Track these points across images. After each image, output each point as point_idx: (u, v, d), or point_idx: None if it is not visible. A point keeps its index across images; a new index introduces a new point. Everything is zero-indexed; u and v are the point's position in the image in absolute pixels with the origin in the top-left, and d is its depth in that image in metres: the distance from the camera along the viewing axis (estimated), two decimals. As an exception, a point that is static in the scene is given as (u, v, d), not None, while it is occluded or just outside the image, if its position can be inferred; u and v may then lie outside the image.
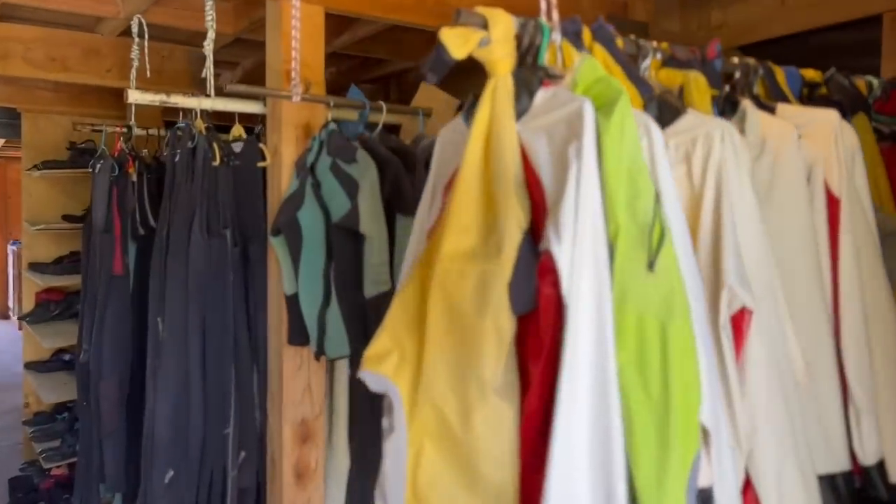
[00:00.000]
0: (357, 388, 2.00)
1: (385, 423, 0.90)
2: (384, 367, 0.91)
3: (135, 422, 2.55)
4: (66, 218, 3.78)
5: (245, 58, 4.09)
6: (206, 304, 1.87)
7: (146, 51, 2.65)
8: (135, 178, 2.53)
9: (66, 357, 3.75)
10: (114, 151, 2.60)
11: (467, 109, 1.07)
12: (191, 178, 1.89)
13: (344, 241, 1.59)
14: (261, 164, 1.94)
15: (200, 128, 1.93)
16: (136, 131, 2.65)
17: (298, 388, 1.90)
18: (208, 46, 1.99)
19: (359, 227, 1.51)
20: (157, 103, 1.91)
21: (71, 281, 3.59)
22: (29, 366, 3.78)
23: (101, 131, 2.65)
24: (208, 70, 2.01)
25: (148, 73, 2.67)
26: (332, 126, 1.69)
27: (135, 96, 1.87)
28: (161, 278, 1.95)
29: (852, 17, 2.32)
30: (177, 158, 1.96)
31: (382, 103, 1.74)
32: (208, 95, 1.98)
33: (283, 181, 1.85)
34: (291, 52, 1.84)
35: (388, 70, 3.80)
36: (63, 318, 3.73)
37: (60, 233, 3.82)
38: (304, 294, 1.73)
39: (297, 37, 1.64)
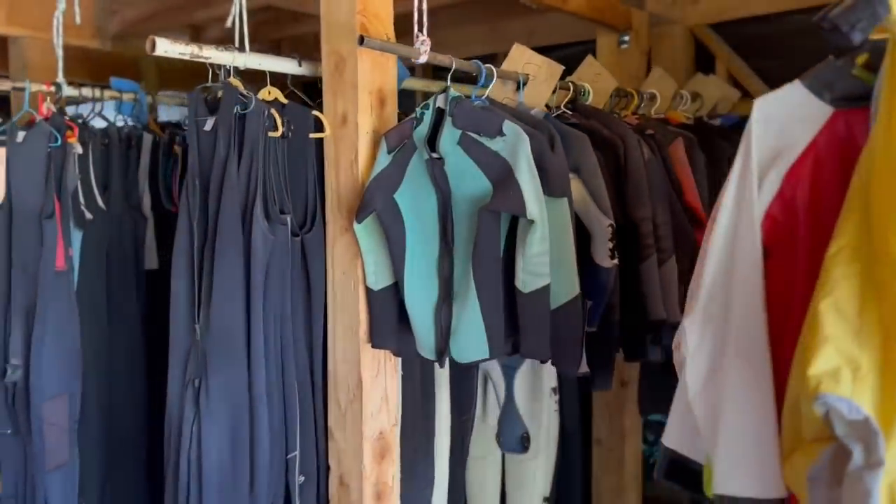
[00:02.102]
0: (407, 394, 1.78)
1: (858, 455, 0.75)
2: (841, 387, 0.76)
3: (90, 451, 2.11)
4: None
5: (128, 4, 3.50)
6: (267, 306, 1.54)
7: (75, -9, 2.12)
8: (80, 149, 2.04)
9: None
10: (41, 115, 2.05)
11: (816, 78, 0.92)
12: (238, 152, 1.53)
13: (488, 226, 1.36)
14: (316, 135, 1.62)
15: (239, 89, 1.57)
16: (67, 90, 2.12)
17: (376, 397, 1.64)
18: (239, -11, 1.61)
19: (525, 213, 1.30)
20: (188, 56, 1.51)
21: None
22: None
23: (23, 89, 2.08)
24: (236, 18, 1.63)
25: (78, 18, 2.15)
26: (455, 93, 1.43)
27: (164, 46, 1.46)
28: (194, 276, 1.56)
29: (841, -1, 2.43)
30: (207, 126, 1.57)
31: (493, 68, 1.51)
32: (241, 50, 1.61)
33: (361, 157, 1.56)
34: (363, 2, 1.55)
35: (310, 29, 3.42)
36: None
37: None
38: (413, 289, 1.48)
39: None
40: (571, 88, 1.76)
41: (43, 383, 1.99)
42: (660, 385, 2.42)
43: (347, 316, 1.61)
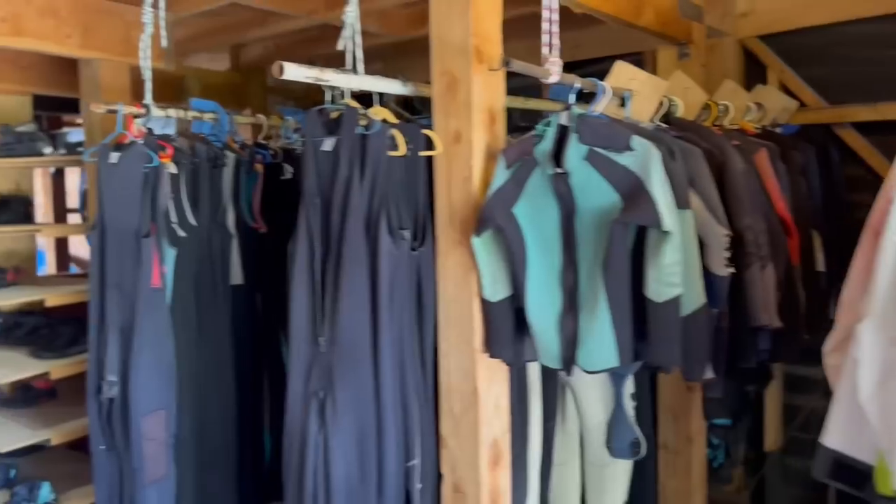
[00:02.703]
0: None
1: None
2: None
3: (184, 465, 2.14)
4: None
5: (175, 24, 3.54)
6: (392, 318, 1.58)
7: (162, 13, 2.17)
8: (174, 168, 2.08)
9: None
10: (130, 136, 2.09)
11: None
12: (361, 171, 1.58)
13: (619, 239, 1.41)
14: (427, 153, 1.67)
15: (360, 110, 1.62)
16: (155, 111, 2.16)
17: (490, 406, 1.68)
18: (352, 10, 1.66)
19: (660, 225, 1.35)
20: (312, 80, 1.56)
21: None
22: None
23: (115, 111, 2.12)
24: (349, 41, 1.68)
25: (164, 41, 2.19)
26: (578, 110, 1.49)
27: (291, 71, 1.51)
28: (314, 290, 1.61)
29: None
30: (326, 146, 1.62)
31: (606, 85, 1.56)
32: (355, 72, 1.66)
33: (476, 173, 1.61)
34: (476, 24, 1.60)
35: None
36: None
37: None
38: (536, 300, 1.53)
39: None
40: (664, 102, 1.82)
41: (141, 399, 2.03)
42: (725, 390, 2.48)
43: (461, 327, 1.66)
